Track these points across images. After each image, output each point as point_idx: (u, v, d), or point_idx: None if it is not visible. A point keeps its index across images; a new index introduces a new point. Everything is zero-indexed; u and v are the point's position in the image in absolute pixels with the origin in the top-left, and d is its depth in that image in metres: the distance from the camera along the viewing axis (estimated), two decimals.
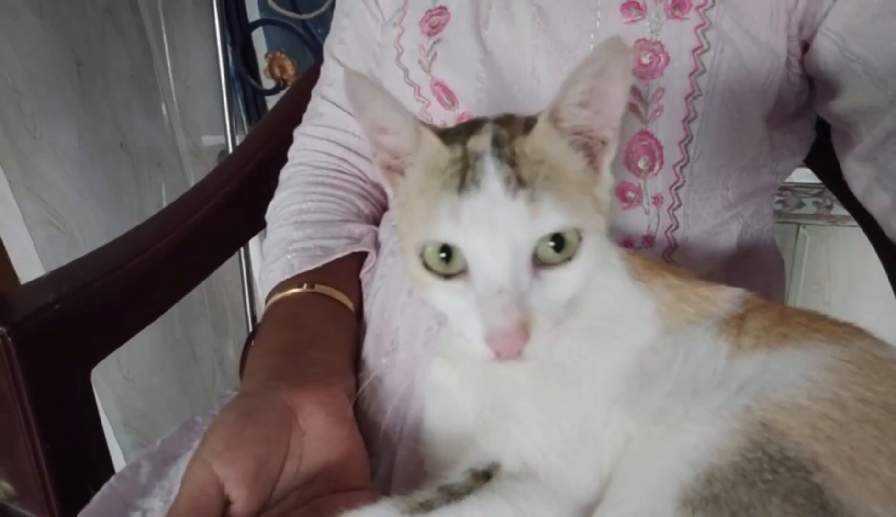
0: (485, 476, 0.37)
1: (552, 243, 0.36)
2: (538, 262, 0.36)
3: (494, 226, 0.35)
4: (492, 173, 0.36)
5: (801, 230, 1.14)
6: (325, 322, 0.55)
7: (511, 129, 0.39)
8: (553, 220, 0.36)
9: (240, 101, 1.54)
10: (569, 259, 0.37)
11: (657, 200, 0.54)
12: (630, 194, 0.54)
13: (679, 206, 0.54)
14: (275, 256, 0.60)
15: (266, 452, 0.41)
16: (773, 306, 0.39)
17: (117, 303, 0.65)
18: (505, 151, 0.37)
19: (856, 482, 0.28)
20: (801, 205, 1.10)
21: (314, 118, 0.70)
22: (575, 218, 0.36)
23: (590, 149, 0.40)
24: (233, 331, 1.62)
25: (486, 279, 0.36)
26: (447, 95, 0.60)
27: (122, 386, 1.30)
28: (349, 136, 0.68)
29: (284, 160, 0.72)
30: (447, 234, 0.37)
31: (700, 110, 0.52)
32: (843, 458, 0.28)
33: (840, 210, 1.09)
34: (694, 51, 0.51)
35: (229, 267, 1.56)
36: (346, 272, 0.60)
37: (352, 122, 0.68)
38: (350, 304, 0.58)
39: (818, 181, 1.10)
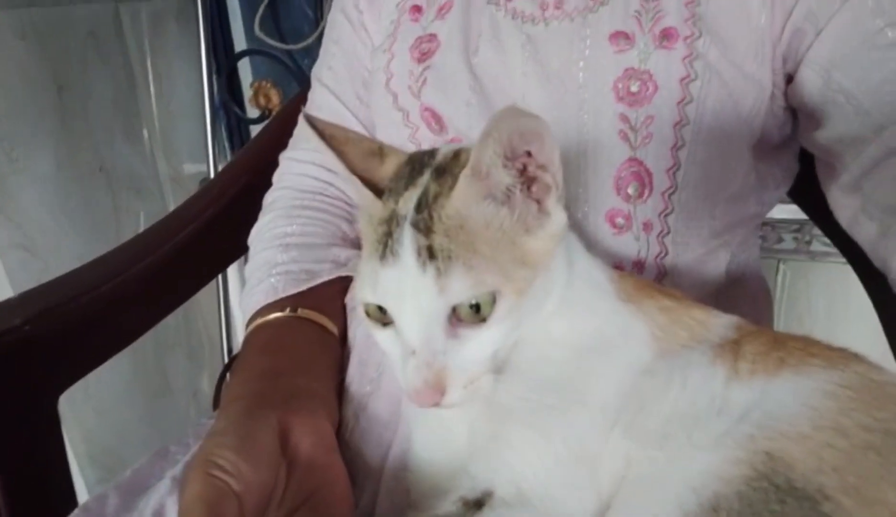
0: (477, 505, 0.35)
1: (470, 303, 0.37)
2: (458, 318, 0.38)
3: (405, 296, 0.37)
4: (407, 244, 0.37)
5: (781, 265, 1.15)
6: (309, 347, 0.53)
7: (447, 180, 0.39)
8: (460, 292, 0.36)
9: (223, 129, 1.54)
10: (483, 320, 0.38)
11: (647, 227, 0.53)
12: (619, 220, 0.53)
13: (668, 233, 0.54)
14: (258, 279, 0.58)
15: (270, 478, 0.40)
16: (767, 331, 0.39)
17: (88, 328, 0.62)
18: (423, 218, 0.37)
19: (863, 511, 0.27)
20: (780, 240, 1.12)
21: (300, 142, 0.70)
22: (487, 285, 0.37)
23: (532, 192, 0.40)
24: (208, 362, 1.58)
25: (404, 339, 0.38)
26: (436, 121, 0.59)
27: (90, 419, 1.25)
28: None
29: (267, 186, 0.71)
30: (370, 296, 0.39)
31: (688, 138, 0.52)
32: (849, 488, 0.28)
33: (819, 246, 1.11)
34: (682, 80, 0.52)
35: (206, 296, 1.53)
36: (331, 297, 0.59)
37: None
38: (335, 329, 0.56)
39: (798, 217, 1.12)
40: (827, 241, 1.13)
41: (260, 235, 0.64)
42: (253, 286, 0.58)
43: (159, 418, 1.42)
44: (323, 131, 0.41)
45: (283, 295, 0.56)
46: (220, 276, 1.50)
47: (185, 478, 0.39)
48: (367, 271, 0.39)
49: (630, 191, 0.53)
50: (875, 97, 0.48)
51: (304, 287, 0.56)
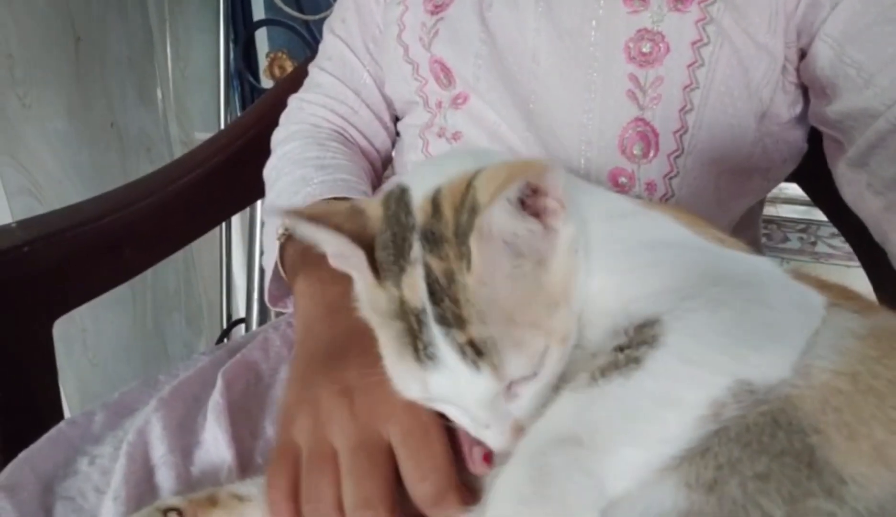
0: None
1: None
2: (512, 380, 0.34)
3: (464, 393, 0.33)
4: (445, 347, 0.32)
5: (785, 265, 1.14)
6: None
7: (446, 248, 0.33)
8: (517, 371, 0.33)
9: (237, 97, 1.54)
10: (535, 374, 0.34)
11: (650, 187, 0.53)
12: (622, 179, 0.53)
13: (672, 196, 0.54)
14: (293, 192, 0.58)
15: None
16: (810, 274, 0.38)
17: (86, 258, 0.63)
18: (448, 308, 0.32)
19: (848, 445, 0.27)
20: (786, 239, 1.11)
21: (312, 87, 0.70)
22: (538, 350, 0.33)
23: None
24: (207, 328, 1.59)
25: (468, 424, 0.35)
26: (445, 74, 0.59)
27: (85, 369, 1.25)
28: (348, 110, 0.67)
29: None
30: (421, 394, 0.35)
31: (696, 102, 0.52)
32: (842, 424, 0.28)
33: (824, 247, 1.10)
34: (693, 43, 0.52)
35: (208, 261, 1.54)
36: None
37: (350, 95, 0.68)
38: None
39: (804, 217, 1.12)
40: (832, 243, 1.13)
41: (286, 159, 0.63)
42: (287, 198, 0.58)
43: (152, 376, 1.42)
44: (308, 215, 0.35)
45: (322, 196, 0.56)
46: (222, 240, 1.51)
47: None
48: (404, 371, 0.34)
49: (635, 150, 0.53)
50: (887, 70, 0.48)
51: (346, 194, 0.56)
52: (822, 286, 0.36)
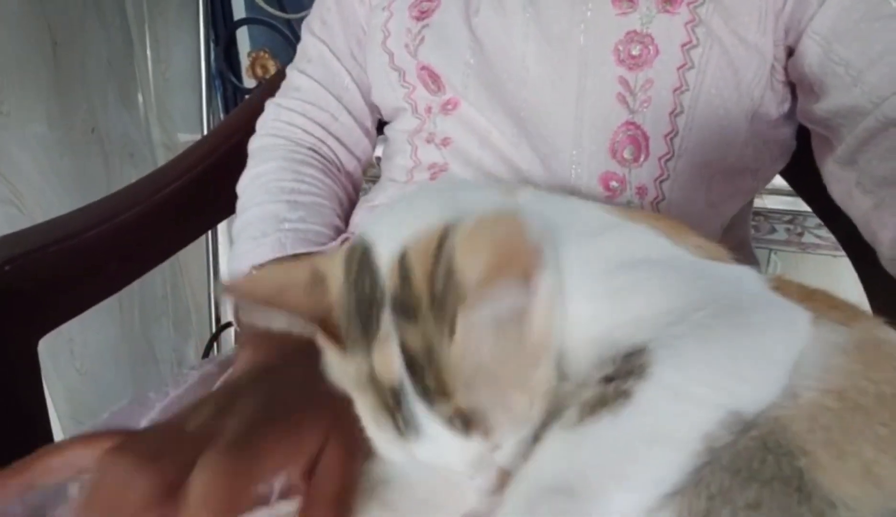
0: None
1: None
2: None
3: (453, 461, 0.32)
4: (429, 422, 0.30)
5: (773, 256, 1.15)
6: None
7: (421, 319, 0.31)
8: (510, 429, 0.31)
9: (219, 98, 1.52)
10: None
11: (641, 191, 0.53)
12: (613, 183, 0.53)
13: (663, 199, 0.54)
14: (263, 232, 0.57)
15: None
16: (796, 282, 0.38)
17: (71, 274, 0.62)
18: (430, 383, 0.30)
19: (836, 465, 0.27)
20: (773, 230, 1.12)
21: (290, 91, 0.68)
22: (525, 405, 0.31)
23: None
24: (195, 332, 1.57)
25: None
26: (433, 80, 0.59)
27: (73, 378, 1.24)
28: (328, 118, 0.66)
29: None
30: (406, 460, 0.33)
31: (687, 105, 0.52)
32: (830, 443, 0.28)
33: (811, 238, 1.11)
34: (683, 45, 0.51)
35: (195, 265, 1.53)
36: None
37: (331, 101, 0.66)
38: None
39: (791, 208, 1.12)
40: (819, 233, 1.14)
41: (260, 184, 0.62)
42: (257, 237, 0.57)
43: (143, 385, 1.41)
44: (255, 297, 0.33)
45: (291, 252, 0.56)
46: (209, 244, 1.49)
47: None
48: (386, 441, 0.32)
49: (626, 154, 0.53)
50: (875, 68, 0.48)
51: (313, 249, 0.56)
52: (806, 295, 0.35)
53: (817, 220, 1.10)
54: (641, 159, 0.53)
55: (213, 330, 1.51)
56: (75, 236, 0.61)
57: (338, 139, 0.66)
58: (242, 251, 0.58)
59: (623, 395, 0.28)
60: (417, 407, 0.30)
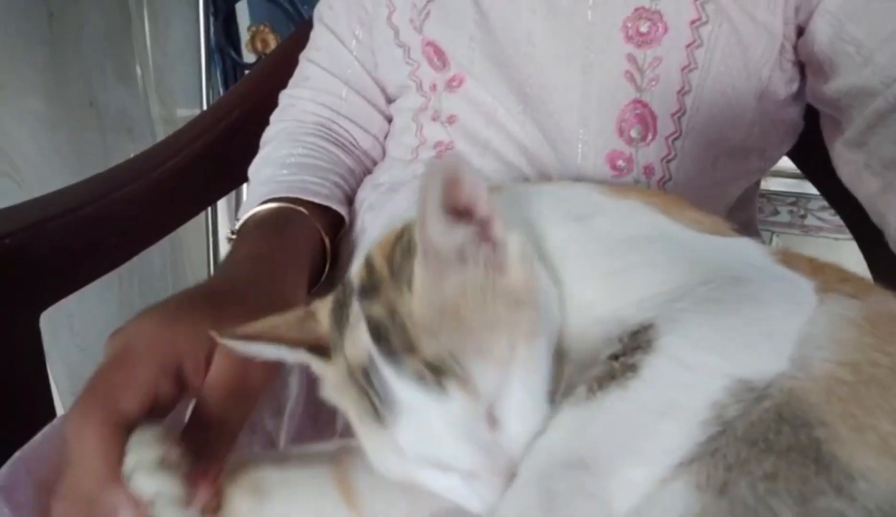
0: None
1: None
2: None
3: (437, 436, 0.30)
4: (399, 384, 0.29)
5: (775, 238, 1.15)
6: (294, 235, 0.53)
7: (383, 291, 0.31)
8: (490, 376, 0.30)
9: (219, 73, 1.50)
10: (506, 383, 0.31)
11: (648, 171, 0.53)
12: (620, 163, 0.53)
13: (669, 179, 0.53)
14: (254, 192, 0.58)
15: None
16: (804, 256, 0.37)
17: (71, 247, 0.61)
18: (393, 341, 0.30)
19: (854, 437, 0.27)
20: (776, 212, 1.11)
21: (301, 81, 0.68)
22: (502, 346, 0.30)
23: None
24: None
25: (453, 470, 0.31)
26: (438, 56, 0.58)
27: (74, 355, 1.24)
28: (338, 100, 0.65)
29: (261, 120, 0.69)
30: (399, 467, 0.32)
31: (695, 84, 0.52)
32: (847, 415, 0.28)
33: (814, 220, 1.11)
34: (692, 22, 0.50)
35: (195, 242, 1.52)
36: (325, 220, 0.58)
37: (336, 84, 0.66)
38: (322, 230, 0.56)
39: (794, 190, 1.12)
40: (822, 216, 1.14)
41: (263, 162, 0.63)
42: (248, 201, 0.58)
43: None
44: (244, 335, 0.35)
45: (270, 196, 0.56)
46: (209, 221, 1.48)
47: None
48: (374, 444, 0.32)
49: (633, 133, 0.52)
50: (886, 48, 0.48)
51: (294, 194, 0.56)
52: (815, 269, 0.35)
53: (820, 203, 1.10)
54: (649, 138, 0.52)
55: None
56: (75, 210, 0.61)
57: (350, 119, 0.65)
58: (241, 216, 0.58)
59: (630, 369, 0.28)
60: (388, 375, 0.30)
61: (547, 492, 0.27)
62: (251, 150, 0.66)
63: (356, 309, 0.32)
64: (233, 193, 1.35)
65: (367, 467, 0.35)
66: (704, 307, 0.30)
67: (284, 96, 0.69)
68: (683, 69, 0.51)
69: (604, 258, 0.33)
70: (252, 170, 0.64)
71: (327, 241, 0.56)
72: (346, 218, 0.60)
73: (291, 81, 0.70)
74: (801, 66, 0.56)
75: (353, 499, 0.37)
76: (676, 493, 0.27)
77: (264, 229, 0.53)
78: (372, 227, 0.55)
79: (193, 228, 1.50)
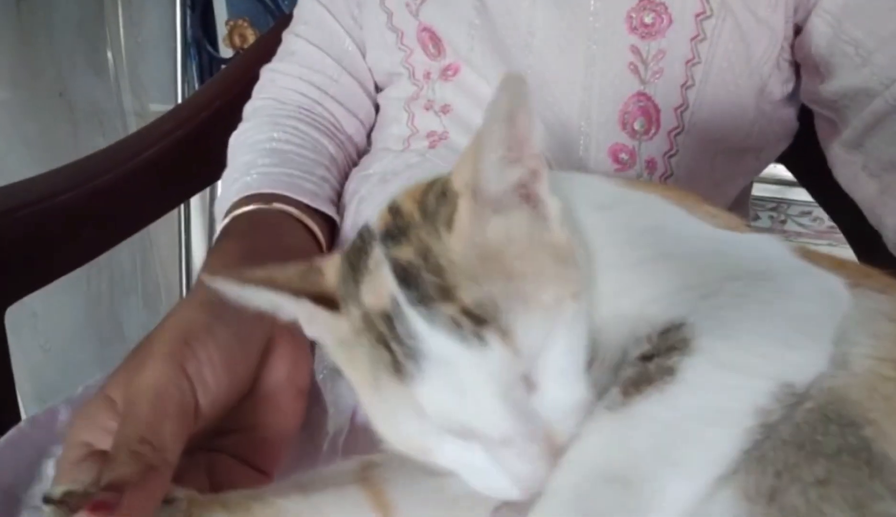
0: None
1: None
2: None
3: (472, 393, 0.27)
4: (430, 333, 0.26)
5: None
6: (297, 244, 0.50)
7: (415, 233, 0.29)
8: (534, 329, 0.27)
9: (194, 68, 1.46)
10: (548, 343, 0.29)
11: (650, 166, 0.52)
12: (623, 156, 0.52)
13: (671, 175, 0.53)
14: (233, 180, 0.54)
15: (234, 398, 0.35)
16: (825, 253, 0.36)
17: (44, 237, 0.58)
18: (428, 286, 0.27)
19: None
20: (756, 218, 1.12)
21: (286, 56, 0.65)
22: (549, 298, 0.27)
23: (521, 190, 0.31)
24: (165, 310, 1.51)
25: (481, 437, 0.28)
26: (434, 44, 0.56)
27: (37, 356, 1.19)
28: (325, 79, 0.63)
29: (238, 114, 0.66)
30: (419, 431, 0.28)
31: (698, 78, 0.51)
32: (893, 413, 0.26)
33: (793, 225, 1.12)
34: (697, 15, 0.50)
35: (166, 240, 1.47)
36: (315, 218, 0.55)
37: (329, 63, 0.63)
38: (319, 233, 0.52)
39: (775, 196, 1.13)
40: (801, 221, 1.15)
41: (239, 142, 0.59)
42: (227, 187, 0.54)
43: (110, 363, 1.35)
44: (240, 278, 0.31)
45: (256, 191, 0.51)
46: (181, 219, 1.44)
47: (147, 348, 0.34)
48: (390, 406, 0.28)
49: (636, 126, 0.51)
50: (886, 48, 0.48)
51: (283, 191, 0.52)
52: (838, 265, 0.34)
53: (801, 208, 1.11)
54: (652, 132, 0.51)
55: None
56: (47, 198, 0.57)
57: (338, 101, 0.63)
58: (218, 207, 0.55)
59: (668, 372, 0.26)
60: (416, 322, 0.27)
61: (585, 510, 0.25)
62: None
63: (377, 254, 0.29)
64: (207, 191, 1.31)
65: (401, 480, 0.33)
66: (738, 305, 0.29)
67: (266, 71, 0.66)
68: (687, 63, 0.50)
69: (628, 249, 0.32)
70: (232, 144, 0.60)
71: (324, 244, 0.53)
72: (337, 219, 0.56)
73: (276, 57, 0.66)
74: (797, 67, 0.56)
75: (388, 513, 0.34)
76: (725, 505, 0.25)
77: (260, 229, 0.49)
78: (364, 220, 0.52)
79: (165, 227, 1.45)
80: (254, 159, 0.55)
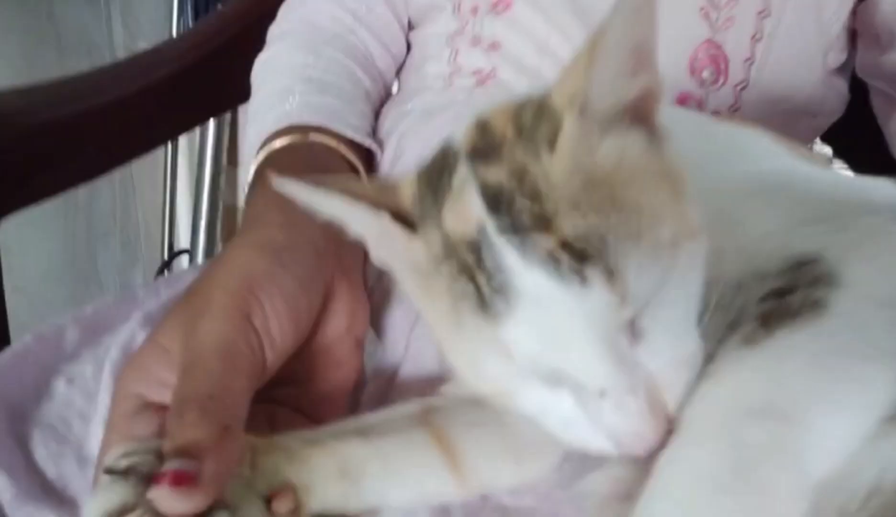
0: None
1: None
2: None
3: (568, 336, 0.24)
4: (522, 266, 0.23)
5: None
6: (340, 173, 0.46)
7: (508, 153, 0.25)
8: (645, 272, 0.24)
9: (189, 6, 1.39)
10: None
11: (716, 117, 0.49)
12: (691, 104, 0.50)
13: None
14: (268, 106, 0.50)
15: (294, 348, 0.33)
16: None
17: (45, 149, 0.53)
18: (523, 212, 0.24)
19: None
20: None
21: None
22: (664, 236, 0.24)
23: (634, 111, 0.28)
24: (144, 257, 1.46)
25: (575, 385, 0.25)
26: None
27: (7, 294, 1.12)
28: (361, 7, 0.58)
29: (256, 45, 0.61)
30: (504, 368, 0.25)
31: (767, 32, 0.49)
32: None
33: None
34: None
35: (149, 184, 1.40)
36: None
37: None
38: (362, 170, 0.48)
39: None
40: None
41: (270, 66, 0.55)
42: (261, 114, 0.50)
43: (83, 305, 1.30)
44: (314, 182, 0.28)
45: (296, 121, 0.47)
46: (167, 162, 1.38)
47: (205, 295, 0.31)
48: (470, 345, 0.26)
49: (705, 75, 0.49)
50: None
51: (325, 122, 0.47)
52: None
53: None
54: (720, 83, 0.49)
55: (165, 256, 1.41)
56: (52, 107, 0.53)
57: (372, 32, 0.58)
58: (248, 140, 0.51)
59: (816, 305, 0.24)
60: (507, 254, 0.23)
61: (737, 446, 0.22)
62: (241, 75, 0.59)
63: (463, 173, 0.26)
64: (195, 131, 1.25)
65: (466, 425, 0.31)
66: (879, 239, 0.26)
67: None
68: (759, 14, 0.49)
69: (739, 179, 0.29)
70: (256, 73, 0.56)
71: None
72: (379, 156, 0.53)
73: None
74: (853, 35, 0.54)
75: (455, 461, 0.31)
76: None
77: (308, 163, 0.45)
78: (409, 154, 0.49)
79: (149, 170, 1.39)
80: (291, 85, 0.50)
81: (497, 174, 0.25)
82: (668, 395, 0.25)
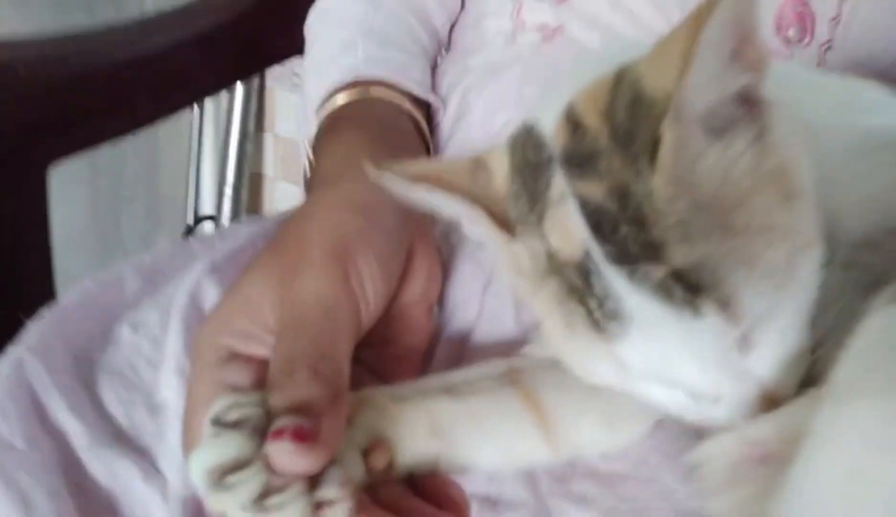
0: None
1: None
2: None
3: (681, 358, 0.24)
4: (632, 296, 0.23)
5: None
6: (406, 129, 0.44)
7: (602, 168, 0.24)
8: (761, 297, 0.23)
9: None
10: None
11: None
12: None
13: None
14: (330, 58, 0.48)
15: (382, 309, 0.32)
16: None
17: (85, 96, 0.51)
18: (628, 240, 0.23)
19: None
20: None
21: None
22: (779, 257, 0.23)
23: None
24: (168, 223, 1.45)
25: (694, 393, 0.26)
26: None
27: None
28: None
29: (284, 8, 0.59)
30: (618, 377, 0.26)
31: None
32: None
33: None
34: None
35: (175, 148, 1.39)
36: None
37: None
38: (425, 127, 0.47)
39: None
40: None
41: (329, 16, 0.53)
42: (324, 67, 0.48)
43: (105, 268, 1.30)
44: (414, 175, 0.28)
45: (362, 75, 0.45)
46: (192, 127, 1.36)
47: (297, 251, 0.30)
48: (583, 353, 0.26)
49: (790, 33, 0.47)
50: None
51: (391, 77, 0.46)
52: None
53: None
54: (806, 42, 0.47)
55: (189, 221, 1.40)
56: (102, 52, 0.51)
57: None
58: (308, 93, 0.49)
59: None
60: (616, 282, 0.23)
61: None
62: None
63: (560, 183, 0.25)
64: (222, 95, 1.23)
65: (556, 386, 0.30)
66: None
67: None
68: None
69: (869, 133, 0.27)
70: (310, 25, 0.54)
71: (428, 139, 0.48)
72: (442, 112, 0.51)
73: None
74: None
75: (547, 424, 0.30)
76: None
77: (376, 118, 0.44)
78: (475, 111, 0.47)
79: (175, 136, 1.37)
80: (352, 38, 0.49)
81: (597, 191, 0.24)
82: (779, 394, 0.25)
